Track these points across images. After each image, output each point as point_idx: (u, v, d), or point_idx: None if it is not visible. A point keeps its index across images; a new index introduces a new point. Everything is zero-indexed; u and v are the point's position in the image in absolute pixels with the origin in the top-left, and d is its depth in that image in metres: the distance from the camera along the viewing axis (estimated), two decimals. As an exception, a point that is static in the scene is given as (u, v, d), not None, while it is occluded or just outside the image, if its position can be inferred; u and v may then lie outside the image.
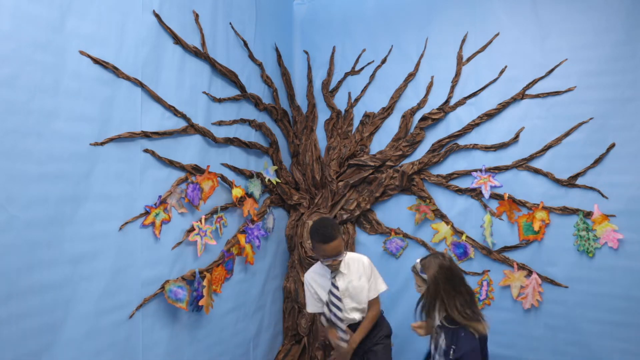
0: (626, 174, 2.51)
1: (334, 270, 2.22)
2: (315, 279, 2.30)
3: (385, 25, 3.18)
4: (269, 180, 2.95)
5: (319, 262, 2.32)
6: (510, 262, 2.75)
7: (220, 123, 2.52)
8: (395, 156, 3.07)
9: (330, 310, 2.22)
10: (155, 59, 2.05)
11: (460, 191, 2.89)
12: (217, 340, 2.48)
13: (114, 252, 1.82)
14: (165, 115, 2.12)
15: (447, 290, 1.85)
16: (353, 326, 2.28)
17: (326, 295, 2.25)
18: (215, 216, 2.44)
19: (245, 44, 2.78)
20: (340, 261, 2.19)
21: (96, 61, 1.74)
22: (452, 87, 2.95)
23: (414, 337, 2.99)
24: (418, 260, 1.98)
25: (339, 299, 2.21)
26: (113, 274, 1.82)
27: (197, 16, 2.33)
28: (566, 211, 2.63)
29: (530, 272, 2.69)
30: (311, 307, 2.34)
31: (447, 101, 2.96)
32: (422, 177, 3.00)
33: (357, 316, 2.26)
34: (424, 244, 2.98)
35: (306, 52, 3.42)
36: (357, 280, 2.23)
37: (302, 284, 3.12)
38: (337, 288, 2.22)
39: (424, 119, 3.00)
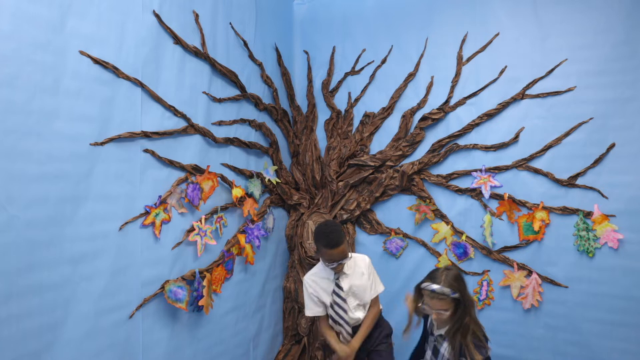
0: (626, 174, 2.51)
1: (338, 272, 2.21)
2: (316, 281, 2.28)
3: (385, 25, 3.18)
4: (269, 180, 2.95)
5: (319, 264, 2.32)
6: (510, 262, 2.75)
7: (220, 123, 2.52)
8: (395, 156, 3.07)
9: (336, 312, 2.22)
10: (155, 59, 2.05)
11: (460, 191, 2.89)
12: (217, 340, 2.48)
13: (114, 252, 1.82)
14: (165, 115, 2.12)
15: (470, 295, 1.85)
16: (358, 327, 2.27)
17: (329, 298, 2.24)
18: (215, 216, 2.44)
19: (245, 44, 2.78)
20: (344, 264, 2.18)
21: (96, 61, 1.74)
22: (452, 87, 2.95)
23: (414, 338, 2.99)
24: (437, 286, 1.79)
25: (344, 300, 2.21)
26: (113, 274, 1.82)
27: (197, 16, 2.33)
28: (566, 211, 2.63)
29: (530, 272, 2.69)
30: (310, 310, 2.30)
31: (447, 101, 2.96)
32: (422, 177, 3.00)
33: (361, 315, 2.26)
34: (424, 244, 2.98)
35: (306, 52, 3.42)
36: (359, 279, 2.23)
37: (302, 284, 3.12)
38: (341, 289, 2.21)
39: (424, 119, 3.00)
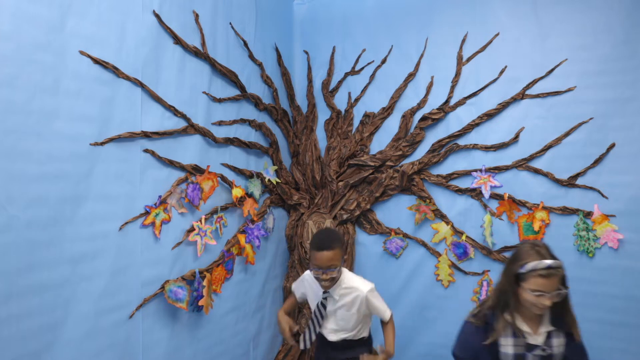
0: (626, 174, 2.51)
1: (324, 288, 2.01)
2: (310, 282, 2.14)
3: (385, 25, 3.18)
4: (269, 180, 2.95)
5: None
6: (510, 262, 2.74)
7: (220, 123, 2.52)
8: (395, 156, 3.07)
9: (312, 321, 2.11)
10: (155, 59, 2.05)
11: (460, 191, 2.89)
12: (217, 340, 2.48)
13: (114, 252, 1.82)
14: (165, 115, 2.12)
15: None
16: (323, 339, 2.14)
17: (314, 305, 2.12)
18: (215, 216, 2.44)
19: (245, 44, 2.78)
20: (332, 279, 1.95)
21: (96, 61, 1.74)
22: (452, 87, 2.95)
23: (414, 338, 3.00)
24: (551, 261, 1.53)
25: (322, 318, 2.07)
26: (113, 274, 1.82)
27: (197, 16, 2.33)
28: (566, 211, 2.63)
29: (530, 272, 2.69)
30: (296, 290, 2.22)
31: (447, 101, 2.96)
32: (422, 177, 3.00)
33: (334, 338, 2.08)
34: (424, 244, 2.98)
35: (306, 52, 3.42)
36: (347, 310, 2.02)
37: (302, 284, 3.11)
38: (324, 307, 2.06)
39: (424, 119, 3.00)
